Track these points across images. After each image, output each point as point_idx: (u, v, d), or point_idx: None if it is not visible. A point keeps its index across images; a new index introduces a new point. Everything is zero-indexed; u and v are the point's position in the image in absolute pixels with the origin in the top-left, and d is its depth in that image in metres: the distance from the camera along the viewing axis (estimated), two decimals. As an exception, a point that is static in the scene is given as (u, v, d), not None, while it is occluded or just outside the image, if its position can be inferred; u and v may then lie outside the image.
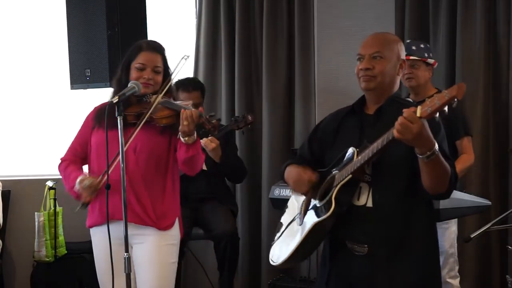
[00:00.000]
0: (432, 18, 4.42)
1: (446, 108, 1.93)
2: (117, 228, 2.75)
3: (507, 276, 3.45)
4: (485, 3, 4.23)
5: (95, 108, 3.00)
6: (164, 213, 2.87)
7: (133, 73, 2.86)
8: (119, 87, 2.85)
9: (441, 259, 3.52)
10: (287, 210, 2.70)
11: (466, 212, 3.35)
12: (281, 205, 2.80)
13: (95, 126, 2.90)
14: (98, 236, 2.87)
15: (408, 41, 3.86)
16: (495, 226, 3.00)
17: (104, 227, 2.68)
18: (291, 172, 2.51)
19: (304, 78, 4.65)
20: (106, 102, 2.88)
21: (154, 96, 2.81)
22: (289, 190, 3.55)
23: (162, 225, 2.85)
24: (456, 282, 3.61)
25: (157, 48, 2.92)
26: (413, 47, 3.65)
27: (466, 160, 3.61)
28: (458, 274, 3.63)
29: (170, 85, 2.91)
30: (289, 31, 4.71)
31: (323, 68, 4.61)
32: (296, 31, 4.66)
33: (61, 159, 3.01)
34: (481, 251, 4.09)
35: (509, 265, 4.24)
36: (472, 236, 3.01)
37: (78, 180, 2.79)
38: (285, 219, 2.67)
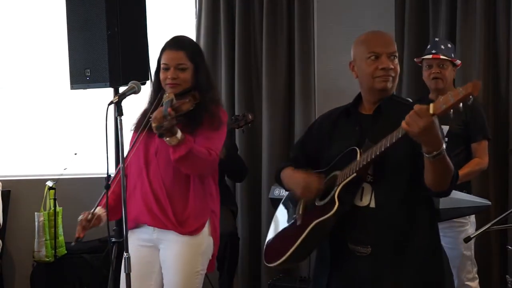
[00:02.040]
0: (432, 18, 4.42)
1: (461, 105, 1.90)
2: (143, 231, 2.77)
3: (507, 276, 3.46)
4: (485, 3, 4.23)
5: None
6: (188, 217, 2.74)
7: (161, 74, 2.78)
8: (153, 91, 2.83)
9: (457, 262, 3.51)
10: (281, 208, 2.66)
11: (466, 212, 3.35)
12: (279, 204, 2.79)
13: (134, 129, 2.84)
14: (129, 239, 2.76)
15: (436, 39, 3.82)
16: (495, 226, 3.00)
17: (134, 231, 2.69)
18: (295, 177, 2.43)
19: (304, 78, 4.65)
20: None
21: (164, 96, 2.70)
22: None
23: (185, 230, 2.73)
24: (474, 284, 3.57)
25: (180, 45, 2.78)
26: (442, 46, 3.61)
27: (477, 163, 3.58)
28: (476, 276, 3.59)
29: (203, 85, 2.77)
30: (289, 31, 4.71)
31: (323, 68, 4.61)
32: (296, 31, 4.66)
33: None
34: (481, 251, 4.09)
35: (509, 265, 4.24)
36: (472, 236, 3.01)
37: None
38: (279, 217, 2.64)
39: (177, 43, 2.80)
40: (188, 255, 2.76)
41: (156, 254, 2.84)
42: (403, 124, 2.00)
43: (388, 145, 2.10)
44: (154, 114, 2.56)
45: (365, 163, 2.18)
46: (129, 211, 2.65)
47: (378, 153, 2.13)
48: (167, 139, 2.59)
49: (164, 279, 2.83)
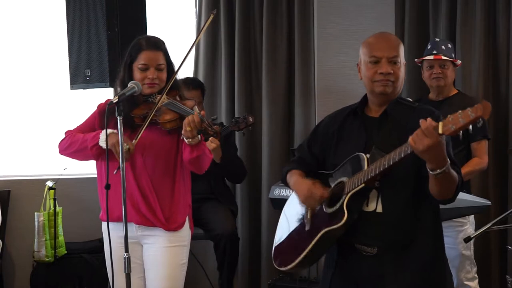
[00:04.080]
0: (432, 18, 4.43)
1: (470, 126, 1.87)
2: (123, 228, 2.77)
3: (507, 276, 3.45)
4: (485, 3, 4.23)
5: (99, 106, 2.95)
6: (173, 213, 2.84)
7: (137, 74, 2.81)
8: (123, 88, 2.81)
9: (456, 262, 3.52)
10: (289, 207, 2.67)
11: (466, 212, 3.35)
12: (281, 205, 2.79)
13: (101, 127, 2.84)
14: (110, 234, 2.78)
15: (436, 39, 3.85)
16: (495, 226, 3.00)
17: (114, 225, 2.70)
18: (300, 184, 2.43)
19: (304, 78, 4.65)
20: (107, 101, 2.87)
21: (159, 97, 2.76)
22: (289, 190, 3.54)
23: (171, 226, 2.83)
24: (474, 284, 3.58)
25: (157, 45, 2.86)
26: (443, 47, 3.65)
27: (476, 163, 3.59)
28: (476, 275, 3.60)
29: (175, 82, 2.86)
30: (289, 31, 4.71)
31: (323, 68, 4.60)
32: (296, 31, 4.66)
33: (66, 132, 2.94)
34: (481, 251, 4.09)
35: (509, 265, 4.24)
36: (472, 236, 3.01)
37: (103, 136, 2.68)
38: (287, 217, 2.64)
39: (155, 44, 2.86)
40: (174, 248, 2.86)
41: (139, 250, 2.89)
42: (410, 139, 1.99)
43: (397, 159, 2.10)
44: (191, 120, 2.58)
45: (373, 175, 2.18)
46: (112, 209, 2.66)
47: (386, 167, 2.14)
48: (190, 140, 2.64)
49: (150, 274, 2.87)
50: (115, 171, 2.68)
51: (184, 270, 2.93)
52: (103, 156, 2.74)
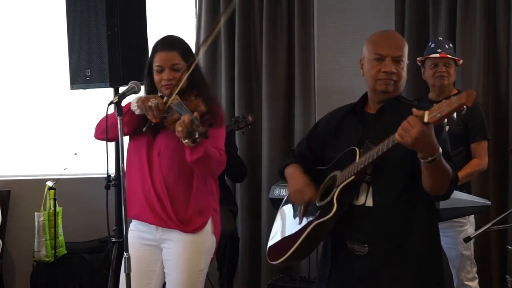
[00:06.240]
0: (432, 18, 4.43)
1: (455, 114, 1.91)
2: (146, 231, 2.78)
3: (507, 276, 3.46)
4: (485, 3, 4.23)
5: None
6: (191, 216, 2.77)
7: (155, 76, 2.77)
8: (148, 93, 2.82)
9: (457, 262, 3.53)
10: (284, 205, 2.68)
11: (466, 212, 3.35)
12: (281, 205, 2.79)
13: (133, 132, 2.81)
14: (130, 234, 2.77)
15: (440, 38, 3.86)
16: (495, 226, 3.00)
17: (134, 225, 2.70)
18: (296, 178, 2.45)
19: (304, 78, 4.65)
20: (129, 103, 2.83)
21: (170, 98, 2.70)
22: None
23: (188, 228, 2.76)
24: (474, 284, 3.58)
25: (171, 45, 2.77)
26: (446, 46, 3.68)
27: (476, 164, 3.59)
28: (476, 275, 3.60)
29: (194, 81, 2.79)
30: (289, 31, 4.71)
31: (323, 68, 4.61)
32: (296, 31, 4.66)
33: None
34: (481, 251, 4.09)
35: (509, 265, 4.24)
36: (472, 236, 3.02)
37: (134, 102, 2.66)
38: (282, 215, 2.65)
39: (168, 44, 2.78)
40: (191, 254, 2.79)
41: (158, 253, 2.85)
42: (396, 136, 2.02)
43: (384, 150, 2.12)
44: (182, 119, 2.53)
45: (362, 167, 2.20)
46: (130, 208, 2.66)
47: (375, 157, 2.16)
48: (186, 140, 2.56)
49: (167, 278, 2.84)
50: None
51: (201, 276, 2.84)
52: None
